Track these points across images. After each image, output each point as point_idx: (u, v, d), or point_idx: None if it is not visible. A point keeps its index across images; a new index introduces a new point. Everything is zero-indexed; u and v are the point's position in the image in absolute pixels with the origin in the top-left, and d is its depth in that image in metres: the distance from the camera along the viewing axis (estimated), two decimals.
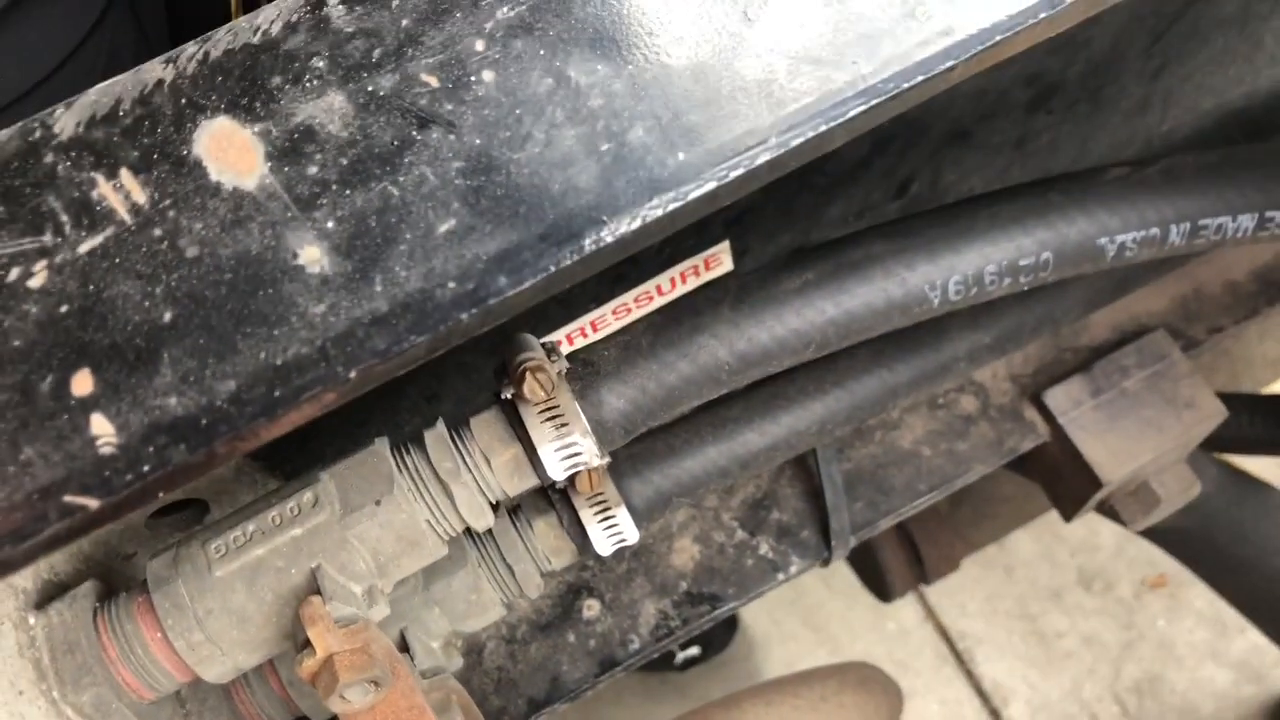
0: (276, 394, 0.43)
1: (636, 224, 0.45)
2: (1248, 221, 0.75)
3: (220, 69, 0.49)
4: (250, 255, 0.46)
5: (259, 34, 0.50)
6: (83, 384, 0.44)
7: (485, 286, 0.44)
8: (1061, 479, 1.04)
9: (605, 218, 0.45)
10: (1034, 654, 2.35)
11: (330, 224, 0.46)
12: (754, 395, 0.88)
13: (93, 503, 0.42)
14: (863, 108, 0.46)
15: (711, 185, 0.45)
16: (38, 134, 0.49)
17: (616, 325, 0.93)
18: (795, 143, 0.45)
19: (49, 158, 0.49)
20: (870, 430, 1.04)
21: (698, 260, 0.91)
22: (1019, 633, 2.37)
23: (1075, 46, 0.93)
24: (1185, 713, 2.27)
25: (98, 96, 0.50)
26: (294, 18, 0.50)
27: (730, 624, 2.35)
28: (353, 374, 0.43)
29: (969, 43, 0.46)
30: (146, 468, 0.43)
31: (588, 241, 0.45)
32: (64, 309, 0.46)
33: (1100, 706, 2.28)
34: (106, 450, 0.43)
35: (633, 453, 0.85)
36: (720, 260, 0.92)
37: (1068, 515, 1.09)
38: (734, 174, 0.45)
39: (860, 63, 0.46)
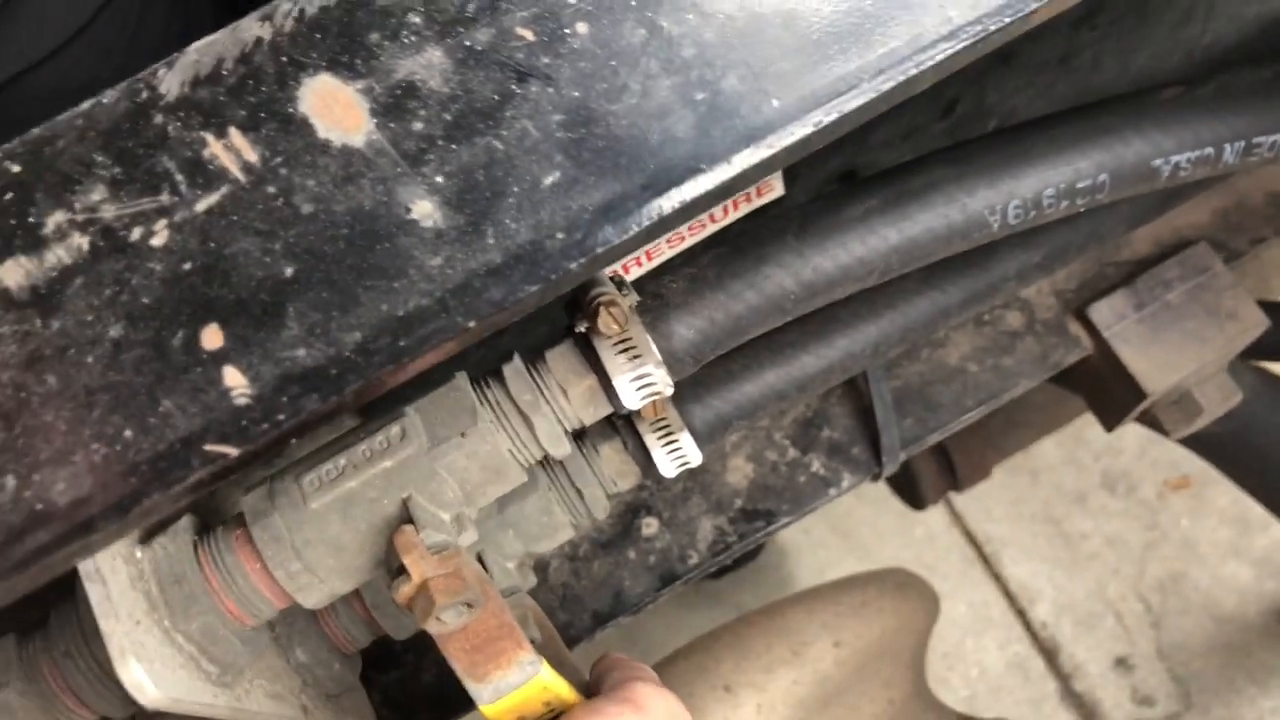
0: (402, 344, 0.46)
1: (735, 171, 0.46)
2: None
3: (318, 26, 0.51)
4: (364, 211, 0.48)
5: None
6: (213, 338, 0.47)
7: (593, 236, 0.46)
8: (1105, 391, 1.06)
9: (704, 166, 0.47)
10: (1059, 555, 2.39)
11: (439, 179, 0.48)
12: (809, 320, 0.90)
13: (233, 450, 0.45)
14: (951, 51, 0.47)
15: (807, 131, 0.47)
16: (144, 95, 0.51)
17: (670, 253, 0.95)
18: (886, 87, 0.47)
19: (158, 118, 0.50)
20: (917, 348, 1.06)
21: (750, 186, 0.93)
22: (1044, 535, 2.42)
23: None
24: (1208, 608, 2.32)
25: (198, 56, 0.52)
26: None
27: None
28: (472, 324, 0.46)
29: None
30: (281, 416, 0.45)
31: (688, 190, 0.47)
32: (187, 266, 0.48)
33: (1124, 605, 2.33)
34: (241, 401, 0.46)
35: (693, 378, 0.88)
36: (772, 185, 0.93)
37: (1110, 425, 1.11)
38: (827, 119, 0.47)
39: (947, 5, 0.47)
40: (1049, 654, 2.32)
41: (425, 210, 0.47)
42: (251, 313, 0.47)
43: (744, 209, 0.95)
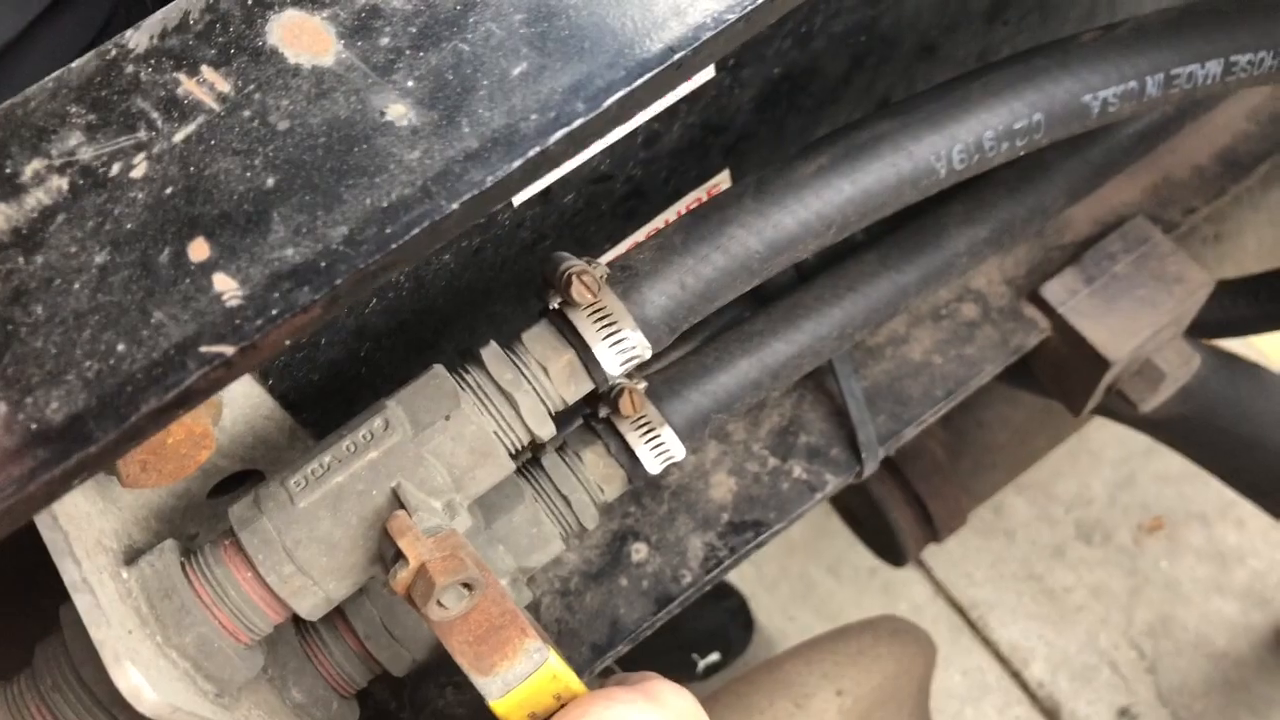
0: (388, 231, 0.46)
1: (694, 46, 0.49)
2: (1215, 67, 0.80)
3: None
4: (340, 120, 0.49)
5: None
6: (199, 250, 0.47)
7: (565, 114, 0.48)
8: (1068, 369, 1.08)
9: (671, 42, 0.49)
10: (1046, 612, 2.38)
11: (410, 83, 0.49)
12: (775, 308, 0.92)
13: (229, 349, 0.45)
14: None
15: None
16: (113, 53, 0.52)
17: None
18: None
19: (130, 69, 0.52)
20: (880, 347, 1.08)
21: (700, 192, 0.95)
22: (1028, 593, 2.40)
23: None
24: (1200, 648, 2.30)
25: (164, 14, 0.53)
26: None
27: (746, 626, 2.36)
28: (455, 205, 0.46)
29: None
30: (275, 311, 0.45)
31: (653, 63, 0.49)
32: (169, 190, 0.48)
33: (1118, 654, 2.31)
34: (233, 303, 0.46)
35: (668, 376, 0.88)
36: (722, 189, 0.96)
37: (1077, 408, 1.13)
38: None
39: None
40: (1050, 713, 2.28)
41: (399, 112, 0.49)
42: (237, 223, 0.47)
43: None
